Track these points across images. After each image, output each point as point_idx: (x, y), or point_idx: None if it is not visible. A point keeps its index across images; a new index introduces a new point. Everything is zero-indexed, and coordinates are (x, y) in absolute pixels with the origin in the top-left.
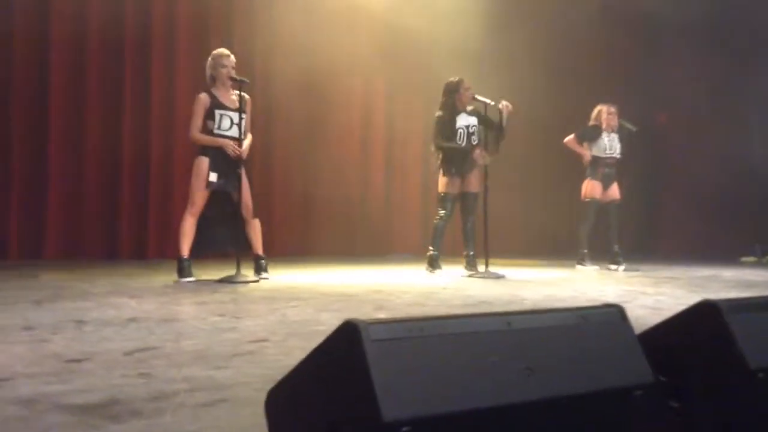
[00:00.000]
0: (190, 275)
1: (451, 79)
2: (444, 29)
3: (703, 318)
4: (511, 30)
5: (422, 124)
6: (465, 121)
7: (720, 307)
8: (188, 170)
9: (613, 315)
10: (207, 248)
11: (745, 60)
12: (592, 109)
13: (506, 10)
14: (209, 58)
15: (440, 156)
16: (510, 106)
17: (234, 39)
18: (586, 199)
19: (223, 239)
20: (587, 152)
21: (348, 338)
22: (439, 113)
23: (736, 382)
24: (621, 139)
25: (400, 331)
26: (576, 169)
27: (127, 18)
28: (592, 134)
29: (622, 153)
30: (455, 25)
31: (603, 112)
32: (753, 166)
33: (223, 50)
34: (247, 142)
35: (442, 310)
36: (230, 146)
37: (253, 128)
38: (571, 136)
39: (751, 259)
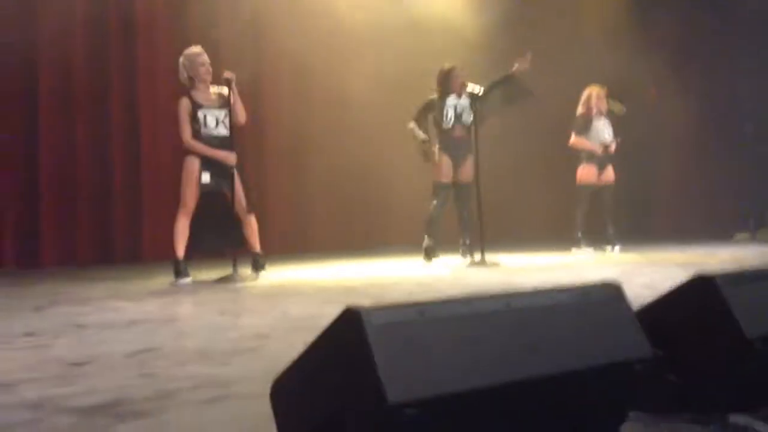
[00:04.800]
0: (186, 276)
1: (444, 65)
2: (443, 15)
3: (698, 291)
4: (501, 11)
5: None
6: (453, 101)
7: (715, 279)
8: (178, 170)
9: (610, 292)
10: (202, 248)
11: (731, 20)
12: (582, 88)
13: None
14: (182, 59)
15: (436, 142)
16: (520, 65)
17: (220, 34)
18: (581, 184)
19: (218, 239)
20: (592, 144)
21: (350, 325)
22: (430, 97)
23: (734, 353)
24: (612, 122)
25: (400, 316)
26: (571, 153)
27: (111, 20)
28: (583, 125)
29: (614, 136)
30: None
31: (592, 97)
32: (744, 140)
33: (197, 48)
34: (240, 111)
35: None
36: (225, 158)
37: (243, 126)
38: (573, 136)
39: (745, 235)
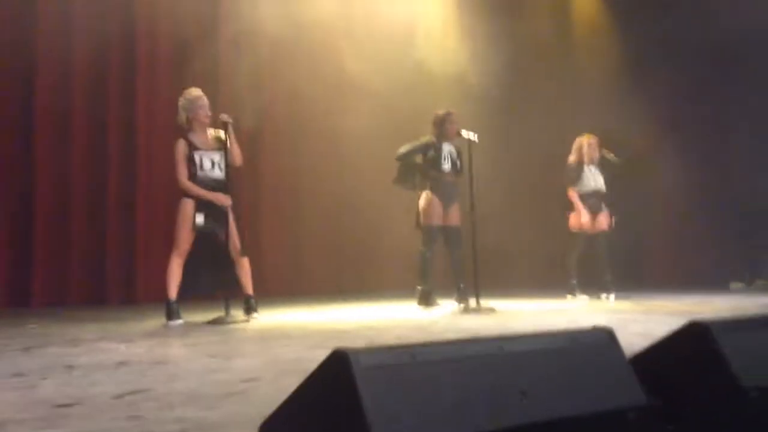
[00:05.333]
0: (178, 318)
1: (439, 111)
2: (439, 58)
3: (692, 338)
4: (498, 54)
5: None
6: (448, 147)
7: (709, 326)
8: (172, 213)
9: (603, 337)
10: (195, 290)
11: (731, 80)
12: (575, 136)
13: (493, 34)
14: (182, 99)
15: (426, 185)
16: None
17: (219, 75)
18: (574, 230)
19: (211, 281)
20: (581, 210)
21: (338, 367)
22: (428, 139)
23: (729, 402)
24: (603, 172)
25: (390, 358)
26: (564, 199)
27: (112, 58)
28: (575, 174)
29: (606, 185)
30: (447, 53)
31: (584, 146)
32: (739, 192)
33: (197, 91)
34: (236, 154)
35: None
36: (221, 200)
37: (240, 169)
38: (569, 189)
39: (740, 285)
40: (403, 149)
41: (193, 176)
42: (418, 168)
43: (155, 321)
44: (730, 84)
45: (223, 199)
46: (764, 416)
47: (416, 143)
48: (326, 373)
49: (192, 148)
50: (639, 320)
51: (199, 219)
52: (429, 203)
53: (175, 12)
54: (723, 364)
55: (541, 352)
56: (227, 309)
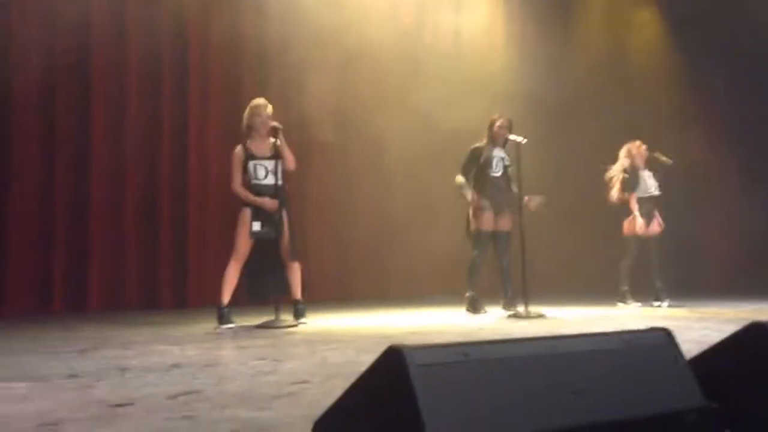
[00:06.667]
0: (229, 322)
1: (493, 116)
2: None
3: (753, 340)
4: (548, 69)
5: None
6: (500, 153)
7: None
8: (224, 219)
9: (661, 338)
10: (254, 295)
11: None
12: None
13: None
14: (248, 108)
15: (475, 190)
16: (535, 203)
17: (271, 83)
18: (628, 236)
19: (267, 286)
20: (637, 216)
21: (393, 364)
22: (476, 145)
23: None
24: (656, 175)
25: (444, 356)
26: (616, 206)
27: (164, 68)
28: (633, 180)
29: (659, 188)
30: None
31: (633, 151)
32: None
33: (261, 100)
34: (289, 159)
35: None
36: (267, 205)
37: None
38: (630, 195)
39: None
40: (459, 178)
41: (247, 184)
42: (473, 173)
43: (207, 325)
44: None
45: (269, 204)
46: None
47: (465, 159)
48: (381, 370)
49: (248, 156)
50: (694, 327)
51: (256, 226)
52: (479, 209)
53: (225, 18)
54: None
55: (596, 353)
56: (277, 313)
